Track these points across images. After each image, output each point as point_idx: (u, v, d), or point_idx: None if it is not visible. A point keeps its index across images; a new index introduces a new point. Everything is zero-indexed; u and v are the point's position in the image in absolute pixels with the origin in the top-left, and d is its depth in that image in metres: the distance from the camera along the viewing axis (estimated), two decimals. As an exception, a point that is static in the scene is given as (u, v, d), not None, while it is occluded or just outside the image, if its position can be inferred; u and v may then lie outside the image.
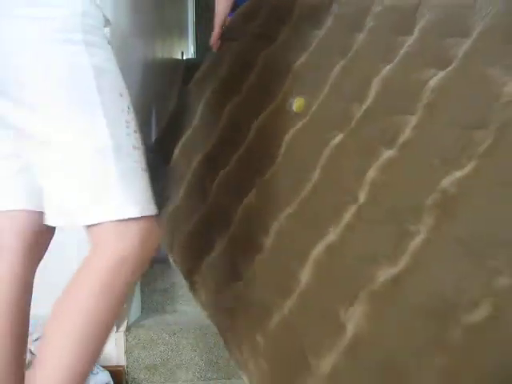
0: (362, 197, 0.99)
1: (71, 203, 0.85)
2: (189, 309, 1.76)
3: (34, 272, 1.03)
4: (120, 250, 0.83)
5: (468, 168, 0.84)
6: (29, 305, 1.02)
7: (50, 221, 0.88)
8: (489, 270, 0.73)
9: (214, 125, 1.50)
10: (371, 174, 1.00)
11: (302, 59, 1.35)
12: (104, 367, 1.54)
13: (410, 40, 1.11)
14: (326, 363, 0.89)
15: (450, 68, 0.99)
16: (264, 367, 0.99)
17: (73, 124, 0.83)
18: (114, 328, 1.58)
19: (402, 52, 1.11)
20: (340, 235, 0.98)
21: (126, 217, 0.83)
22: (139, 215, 0.83)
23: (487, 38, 0.96)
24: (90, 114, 0.83)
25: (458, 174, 0.84)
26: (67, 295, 0.84)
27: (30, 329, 1.25)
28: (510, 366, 0.66)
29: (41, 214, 0.93)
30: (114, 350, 1.62)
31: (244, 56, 1.53)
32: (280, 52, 1.42)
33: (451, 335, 0.72)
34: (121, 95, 0.87)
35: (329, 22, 1.35)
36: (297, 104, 1.28)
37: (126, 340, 1.62)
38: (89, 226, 0.85)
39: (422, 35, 1.09)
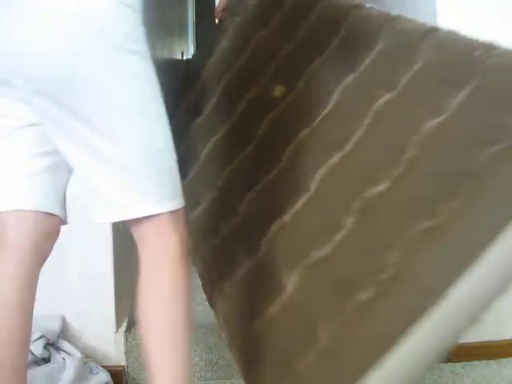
0: (313, 188, 1.28)
1: (131, 198, 0.95)
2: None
3: (39, 273, 1.06)
4: (178, 235, 0.99)
5: (385, 185, 1.11)
6: (33, 305, 1.04)
7: (105, 217, 0.99)
8: (378, 265, 1.03)
9: (212, 93, 1.74)
10: (322, 171, 1.27)
11: (287, 49, 1.56)
12: (104, 367, 1.57)
13: (370, 58, 1.32)
14: (272, 308, 1.21)
15: (392, 93, 1.23)
16: (227, 309, 1.32)
17: (134, 130, 0.94)
18: (114, 328, 1.65)
19: (362, 67, 1.33)
20: (292, 217, 1.28)
21: (178, 207, 0.99)
22: (182, 205, 1.01)
23: (424, 74, 1.19)
24: (148, 120, 0.95)
25: (378, 188, 1.12)
26: (151, 292, 1.00)
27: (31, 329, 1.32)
28: (379, 332, 0.97)
29: (48, 216, 1.01)
30: (114, 350, 1.64)
31: (241, 34, 1.73)
32: (269, 38, 1.62)
33: (347, 306, 1.04)
34: (161, 98, 0.99)
35: (312, 18, 1.54)
36: (277, 90, 1.51)
37: (126, 340, 1.63)
38: (142, 219, 0.96)
39: (378, 55, 1.31)
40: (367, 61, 1.33)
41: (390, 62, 1.29)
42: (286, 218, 1.30)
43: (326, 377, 1.03)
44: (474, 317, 0.98)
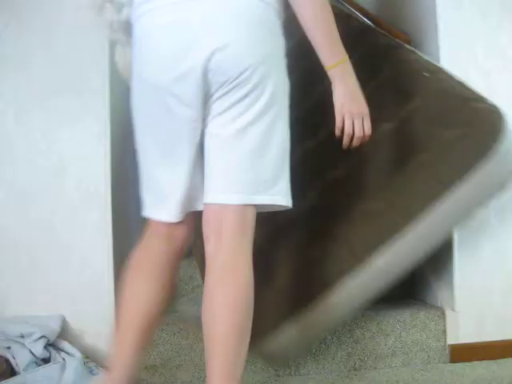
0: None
1: (262, 186, 1.02)
2: (189, 309, 1.77)
3: None
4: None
5: (340, 172, 1.43)
6: None
7: (222, 198, 1.01)
8: (328, 233, 1.36)
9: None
10: (298, 152, 1.54)
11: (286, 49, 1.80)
12: (104, 367, 1.50)
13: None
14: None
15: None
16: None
17: (279, 123, 1.05)
18: (114, 328, 1.53)
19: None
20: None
21: (289, 204, 1.08)
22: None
23: (385, 83, 1.47)
24: (286, 123, 1.08)
25: (335, 173, 1.45)
26: (217, 287, 1.01)
27: (32, 329, 1.40)
28: (317, 281, 1.32)
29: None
30: (115, 350, 1.62)
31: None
32: None
33: (301, 259, 1.38)
34: None
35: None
36: None
37: (126, 340, 1.62)
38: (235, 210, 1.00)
39: (355, 62, 1.56)
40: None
41: (363, 69, 1.55)
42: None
43: (281, 306, 1.35)
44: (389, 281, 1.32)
